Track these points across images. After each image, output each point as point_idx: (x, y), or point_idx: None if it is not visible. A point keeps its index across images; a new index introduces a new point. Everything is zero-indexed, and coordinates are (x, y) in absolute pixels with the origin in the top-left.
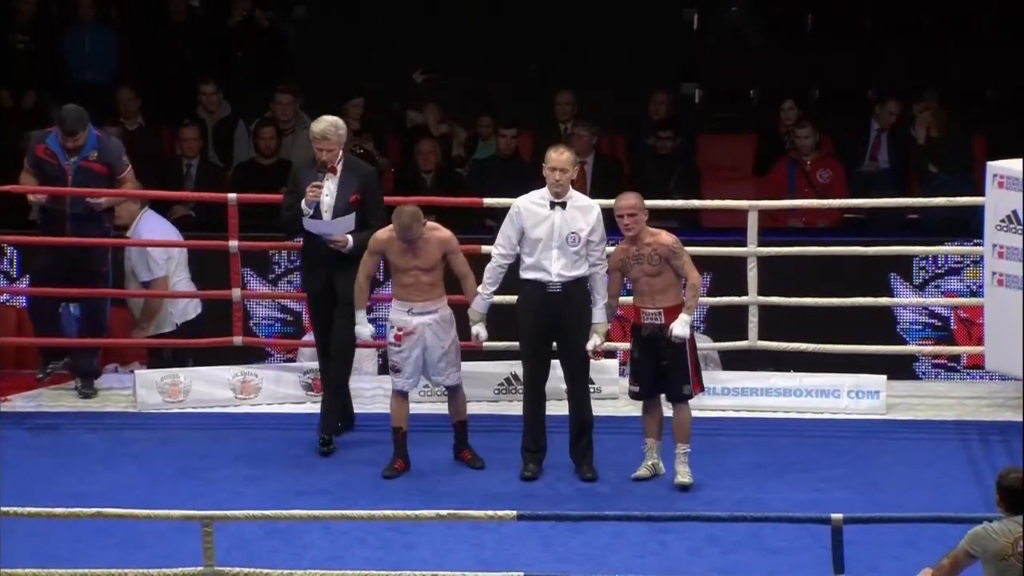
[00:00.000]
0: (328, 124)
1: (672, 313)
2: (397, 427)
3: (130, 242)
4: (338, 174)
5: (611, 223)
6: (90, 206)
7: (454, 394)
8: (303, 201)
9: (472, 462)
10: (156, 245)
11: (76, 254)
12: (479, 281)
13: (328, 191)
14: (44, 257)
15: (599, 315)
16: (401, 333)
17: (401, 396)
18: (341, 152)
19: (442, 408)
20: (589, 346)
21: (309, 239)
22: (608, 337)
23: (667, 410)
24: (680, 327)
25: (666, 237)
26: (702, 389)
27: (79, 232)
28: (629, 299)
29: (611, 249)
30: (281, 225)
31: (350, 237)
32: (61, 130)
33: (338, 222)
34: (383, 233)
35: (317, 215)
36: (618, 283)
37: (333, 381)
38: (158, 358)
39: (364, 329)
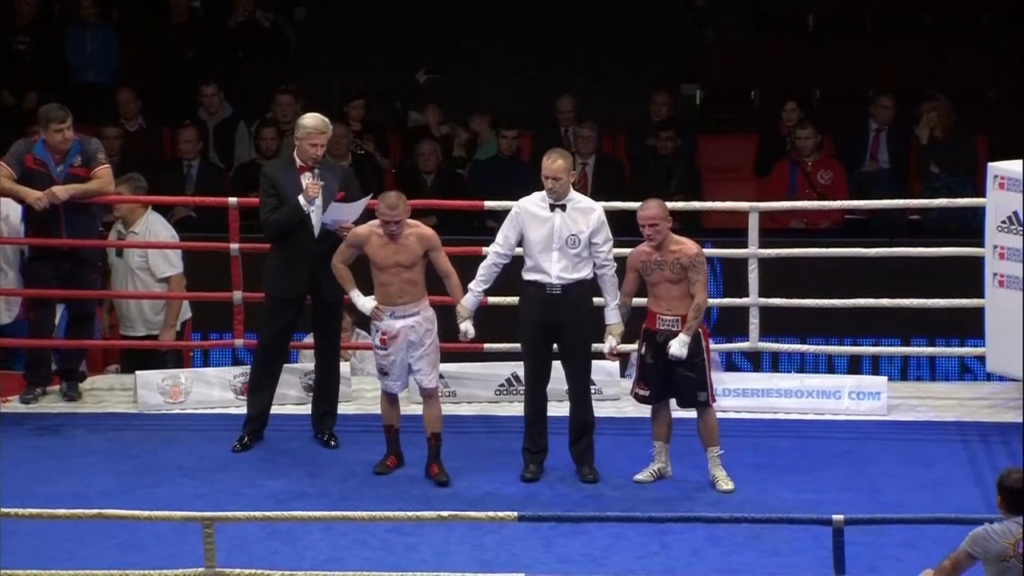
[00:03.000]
0: (320, 119)
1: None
2: (388, 425)
3: (134, 244)
4: (318, 171)
5: (622, 224)
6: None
7: (429, 403)
8: (301, 198)
9: (438, 477)
10: (158, 247)
11: (73, 247)
12: (463, 280)
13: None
14: (40, 257)
15: (612, 316)
16: (386, 337)
17: (390, 397)
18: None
19: (446, 410)
20: (605, 348)
21: (288, 241)
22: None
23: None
24: (677, 347)
25: (691, 248)
26: (715, 399)
27: (72, 224)
28: (640, 300)
29: (625, 251)
30: (277, 226)
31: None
32: (53, 122)
33: (355, 206)
34: (363, 228)
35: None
36: (634, 283)
37: (332, 380)
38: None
39: (367, 302)
